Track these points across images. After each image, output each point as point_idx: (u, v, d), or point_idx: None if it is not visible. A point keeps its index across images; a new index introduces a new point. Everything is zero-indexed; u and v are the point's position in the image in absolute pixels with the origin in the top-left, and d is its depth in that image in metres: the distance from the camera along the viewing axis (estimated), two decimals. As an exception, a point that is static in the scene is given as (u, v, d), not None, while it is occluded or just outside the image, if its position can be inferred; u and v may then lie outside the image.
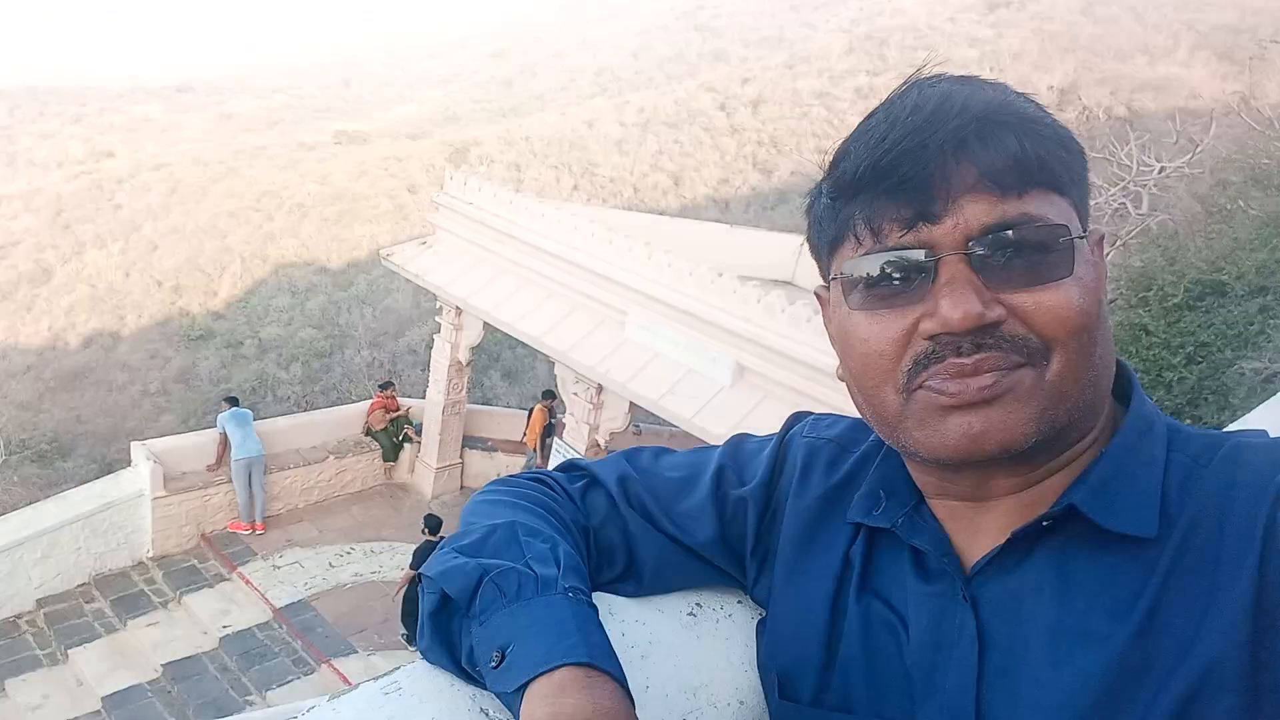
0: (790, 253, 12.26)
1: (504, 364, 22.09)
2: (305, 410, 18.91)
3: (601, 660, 0.66)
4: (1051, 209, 0.71)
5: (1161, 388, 6.83)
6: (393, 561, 10.28)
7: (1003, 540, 0.73)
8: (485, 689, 0.71)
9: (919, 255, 0.70)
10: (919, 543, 0.78)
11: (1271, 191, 7.34)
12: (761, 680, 0.87)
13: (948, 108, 0.71)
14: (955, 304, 0.68)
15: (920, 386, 0.71)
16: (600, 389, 9.73)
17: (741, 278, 8.67)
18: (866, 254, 0.73)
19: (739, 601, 0.93)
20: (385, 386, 11.97)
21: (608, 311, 9.45)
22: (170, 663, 8.76)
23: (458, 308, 11.12)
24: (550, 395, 11.65)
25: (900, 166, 0.70)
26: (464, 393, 11.65)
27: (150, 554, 10.01)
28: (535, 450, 11.61)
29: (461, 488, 12.01)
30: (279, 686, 8.62)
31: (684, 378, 8.74)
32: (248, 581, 9.82)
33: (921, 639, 0.76)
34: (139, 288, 31.53)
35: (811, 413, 0.96)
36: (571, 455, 10.01)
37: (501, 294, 10.39)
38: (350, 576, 10.10)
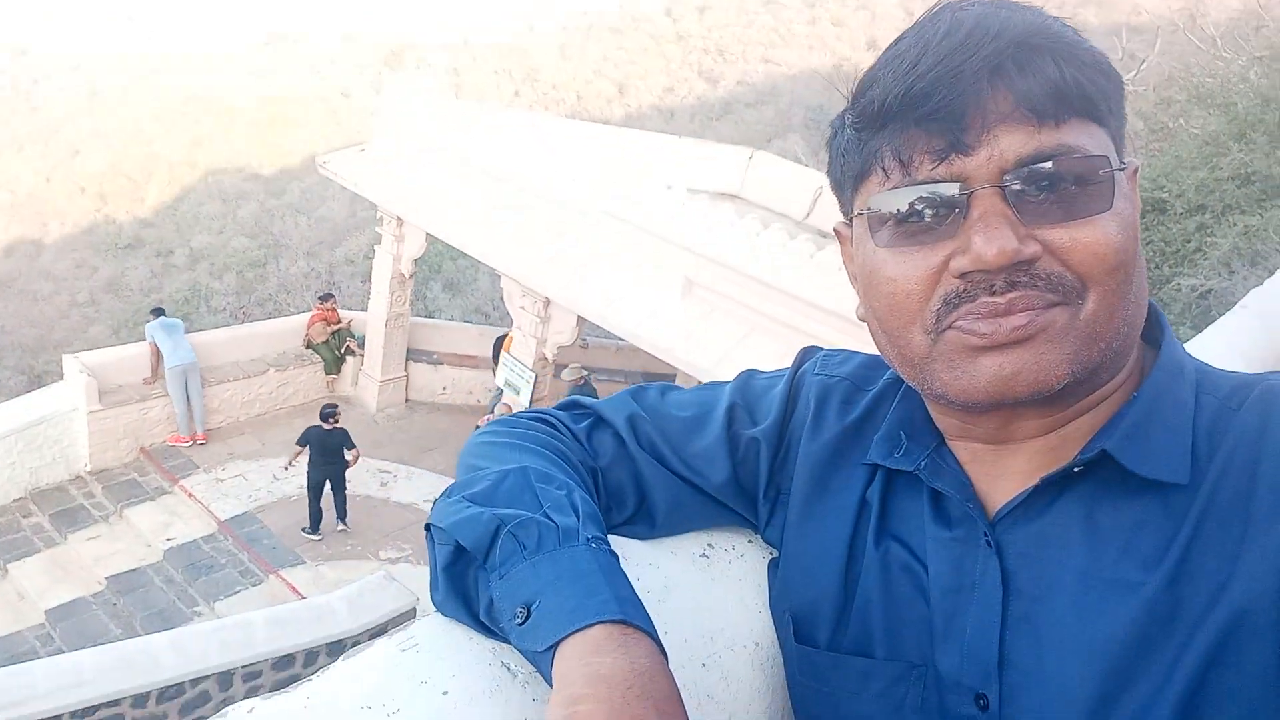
0: (738, 165, 12.19)
1: (446, 275, 21.75)
2: (241, 322, 18.50)
3: (635, 616, 0.64)
4: (1090, 139, 0.67)
5: (1098, 303, 7.03)
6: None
7: (1028, 485, 0.71)
8: (506, 642, 0.68)
9: (952, 189, 0.67)
10: (942, 486, 0.76)
11: (1214, 110, 7.45)
12: (774, 621, 0.86)
13: (983, 31, 0.66)
14: (990, 240, 0.65)
15: (950, 327, 0.68)
16: (547, 303, 9.67)
17: (689, 190, 8.60)
18: (895, 188, 0.69)
19: (750, 541, 0.92)
20: (325, 299, 11.72)
21: (552, 223, 9.33)
22: (114, 575, 8.69)
23: (399, 218, 10.89)
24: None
25: (933, 94, 0.66)
26: (407, 305, 11.49)
27: (88, 468, 9.82)
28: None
29: (406, 401, 11.94)
30: (226, 597, 8.63)
31: (631, 291, 8.72)
32: (190, 494, 9.72)
33: (941, 584, 0.74)
34: (61, 194, 30.23)
35: (820, 348, 0.93)
36: (519, 369, 10.00)
37: (443, 204, 10.17)
38: (295, 489, 10.03)
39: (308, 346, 11.45)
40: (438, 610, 0.74)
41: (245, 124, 32.06)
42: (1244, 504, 0.65)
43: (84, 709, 5.85)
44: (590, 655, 0.60)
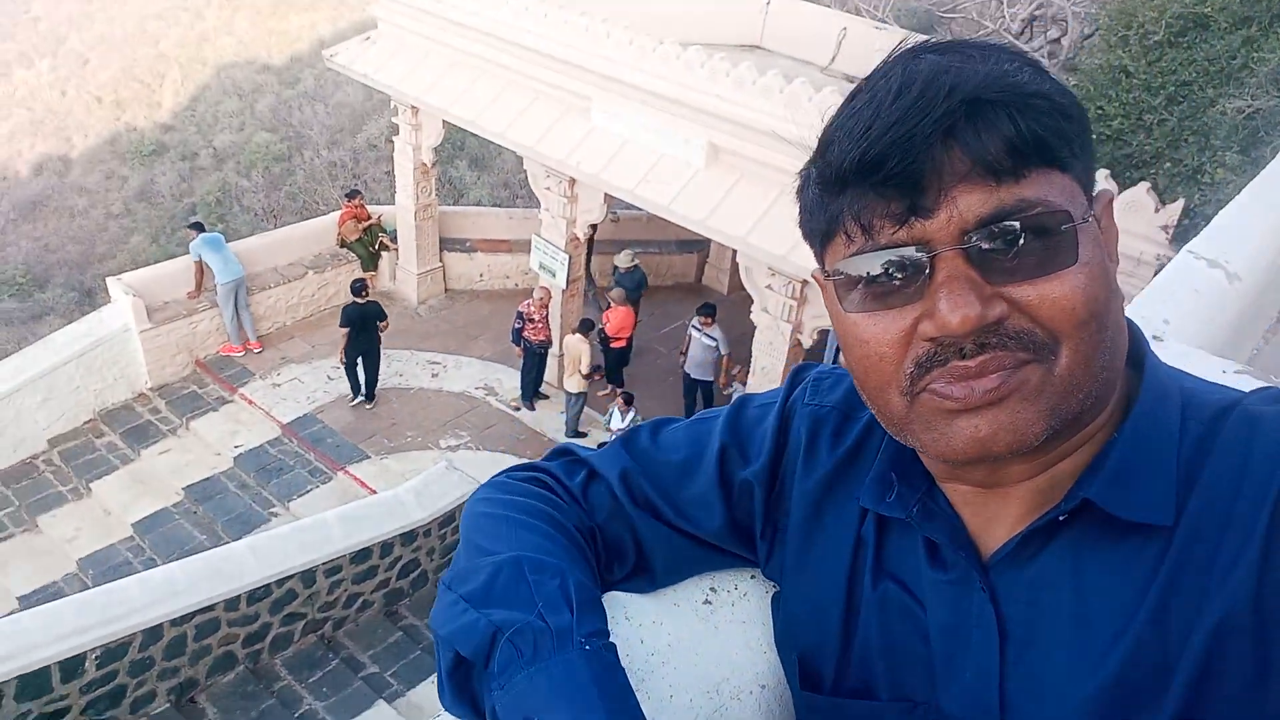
0: (756, 12, 11.69)
1: (470, 152, 21.47)
2: (273, 220, 18.54)
3: None
4: (1053, 189, 0.66)
5: (1141, 131, 6.75)
6: (390, 369, 10.48)
7: (1020, 529, 0.72)
8: None
9: (914, 252, 0.66)
10: (933, 534, 0.77)
11: (1260, -91, 6.93)
12: (781, 660, 0.88)
13: (934, 90, 0.65)
14: (954, 308, 0.64)
15: (925, 389, 0.68)
16: (573, 182, 9.55)
17: (707, 47, 8.30)
18: (858, 252, 0.69)
19: (753, 577, 0.94)
20: (352, 195, 11.68)
21: (572, 99, 9.10)
22: (190, 485, 9.12)
23: (413, 107, 10.69)
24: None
25: (887, 160, 0.65)
26: (433, 195, 11.43)
27: (149, 385, 10.15)
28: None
29: (446, 291, 12.05)
30: (300, 496, 9.03)
31: (657, 163, 8.55)
32: (250, 402, 10.04)
33: (940, 625, 0.75)
34: (79, 106, 30.01)
35: (813, 366, 0.93)
36: (552, 252, 9.96)
37: (458, 88, 9.95)
38: (349, 387, 10.32)
39: (342, 245, 11.52)
40: (447, 712, 0.76)
41: (249, 13, 31.25)
42: (1221, 538, 0.66)
43: (181, 616, 6.26)
44: None
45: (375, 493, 8.61)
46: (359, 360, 9.86)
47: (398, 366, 10.64)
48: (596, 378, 10.39)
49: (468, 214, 12.48)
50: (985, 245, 0.65)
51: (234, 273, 10.19)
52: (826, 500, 0.85)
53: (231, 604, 6.54)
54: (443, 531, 7.68)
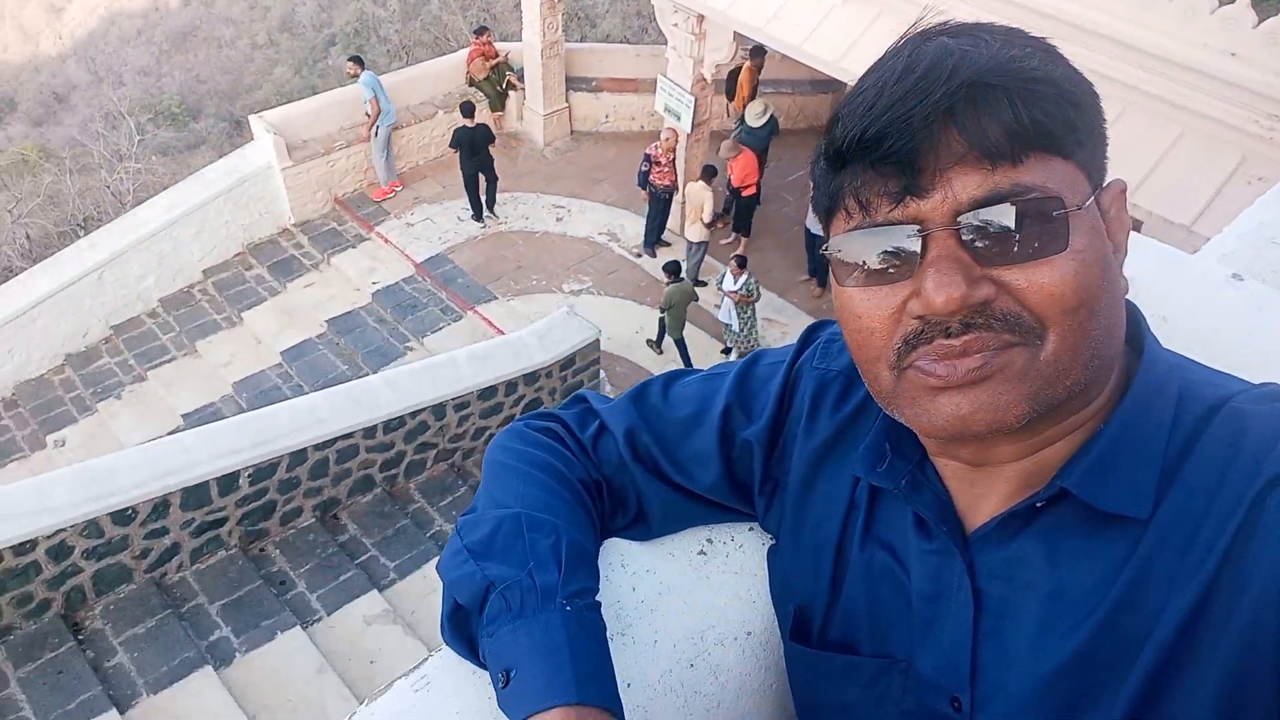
0: None
1: (598, -17, 20.80)
2: (406, 55, 18.60)
3: (591, 696, 0.72)
4: (1051, 176, 0.66)
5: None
6: (516, 212, 10.65)
7: (1004, 508, 0.74)
8: None
9: (907, 231, 0.67)
10: (918, 507, 0.79)
11: None
12: (776, 611, 0.92)
13: (937, 73, 0.66)
14: (939, 287, 0.66)
15: (911, 366, 0.70)
16: (701, 19, 9.19)
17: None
18: (856, 228, 0.70)
19: (750, 529, 0.97)
20: (480, 32, 11.57)
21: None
22: (332, 318, 9.66)
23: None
24: (760, 52, 10.83)
25: (885, 139, 0.66)
26: (560, 32, 11.20)
27: (292, 221, 10.64)
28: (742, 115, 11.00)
29: (571, 132, 11.98)
30: (433, 333, 9.47)
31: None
32: (386, 240, 10.43)
33: (921, 591, 0.79)
34: (222, -66, 30.28)
35: (828, 324, 0.93)
36: (677, 93, 9.70)
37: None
38: (479, 229, 10.57)
39: (471, 84, 11.53)
40: (447, 646, 0.84)
41: None
42: (1195, 533, 0.67)
43: (324, 442, 6.80)
44: None
45: (502, 333, 8.95)
46: (477, 179, 10.35)
47: (524, 209, 10.79)
48: (720, 226, 10.29)
49: (594, 51, 12.23)
50: (977, 227, 0.66)
51: (393, 113, 10.44)
52: (824, 463, 0.88)
53: (369, 432, 7.03)
54: (563, 374, 7.96)
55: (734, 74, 11.23)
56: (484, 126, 10.31)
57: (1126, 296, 0.75)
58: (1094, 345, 0.69)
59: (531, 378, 7.78)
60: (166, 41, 29.26)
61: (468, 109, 10.21)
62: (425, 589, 6.71)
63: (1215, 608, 0.64)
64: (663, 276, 8.93)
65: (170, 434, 7.86)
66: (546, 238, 10.42)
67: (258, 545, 6.75)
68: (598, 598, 0.83)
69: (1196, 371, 0.76)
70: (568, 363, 7.94)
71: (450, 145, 10.31)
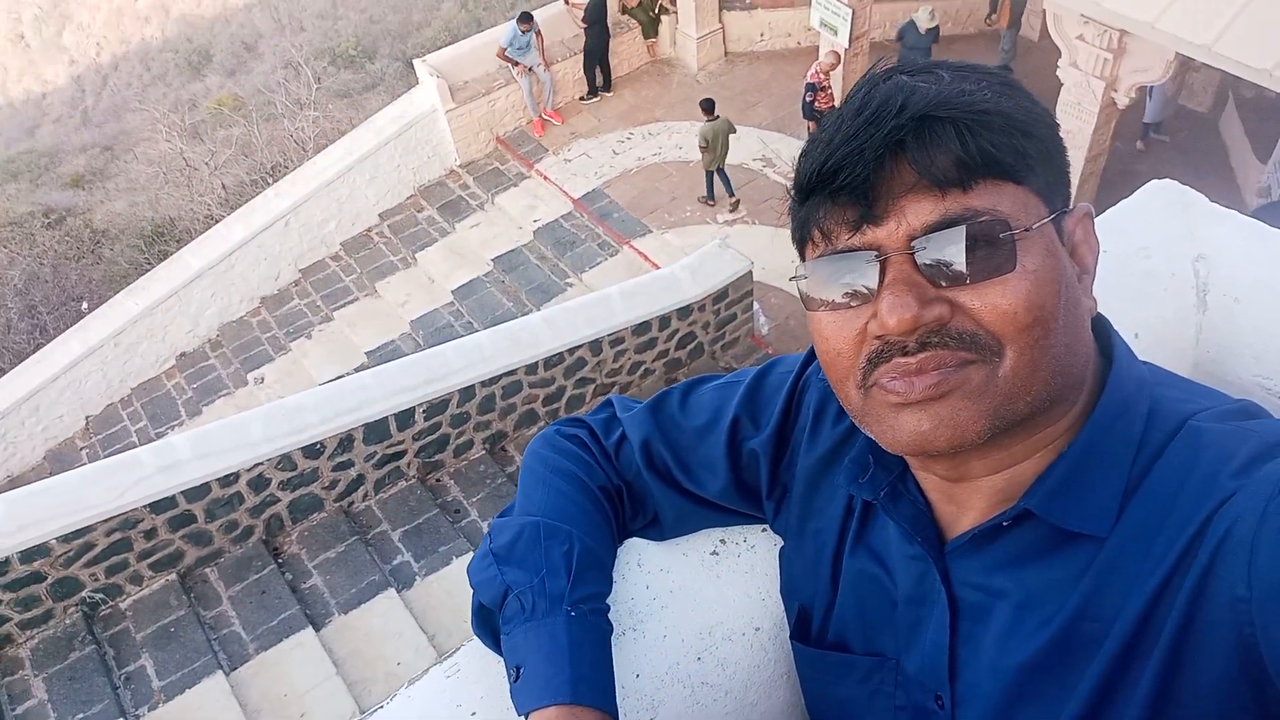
0: None
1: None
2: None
3: (584, 696, 0.80)
4: (1001, 200, 0.70)
5: None
6: (671, 141, 10.63)
7: (982, 520, 0.78)
8: None
9: (866, 257, 0.71)
10: (897, 518, 0.82)
11: None
12: (785, 609, 0.97)
13: (888, 108, 0.69)
14: (892, 309, 0.69)
15: (875, 384, 0.73)
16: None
17: None
18: (820, 256, 0.74)
19: (763, 530, 1.01)
20: (633, -43, 11.46)
21: None
22: (497, 256, 10.03)
23: None
24: None
25: (841, 171, 0.71)
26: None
27: (457, 162, 11.03)
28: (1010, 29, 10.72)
29: (725, 54, 11.74)
30: (590, 269, 9.68)
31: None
32: (546, 177, 10.66)
33: (905, 594, 0.83)
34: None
35: None
36: (834, 7, 9.29)
37: None
38: (634, 161, 10.63)
39: (623, 12, 11.47)
40: (476, 636, 0.93)
41: None
42: (1148, 549, 0.70)
43: (490, 379, 7.14)
44: None
45: (657, 267, 9.03)
46: (606, 53, 10.86)
47: (677, 139, 10.74)
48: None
49: (749, -32, 11.86)
50: (930, 251, 0.69)
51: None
52: (825, 473, 0.92)
53: (531, 369, 7.33)
54: (716, 307, 7.99)
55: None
56: None
57: (1098, 310, 0.78)
58: (1054, 362, 0.71)
59: (684, 311, 7.85)
60: (340, -17, 30.39)
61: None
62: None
63: (1158, 620, 0.68)
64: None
65: (355, 370, 8.45)
66: (700, 167, 10.36)
67: (434, 476, 7.22)
68: (609, 600, 0.91)
69: (1170, 387, 0.78)
70: (721, 295, 7.95)
71: (584, 19, 10.75)
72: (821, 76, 9.55)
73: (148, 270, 10.36)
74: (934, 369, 0.70)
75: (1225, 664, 0.65)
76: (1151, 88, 9.24)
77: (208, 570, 6.33)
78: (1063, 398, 0.74)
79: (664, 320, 7.78)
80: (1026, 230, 0.70)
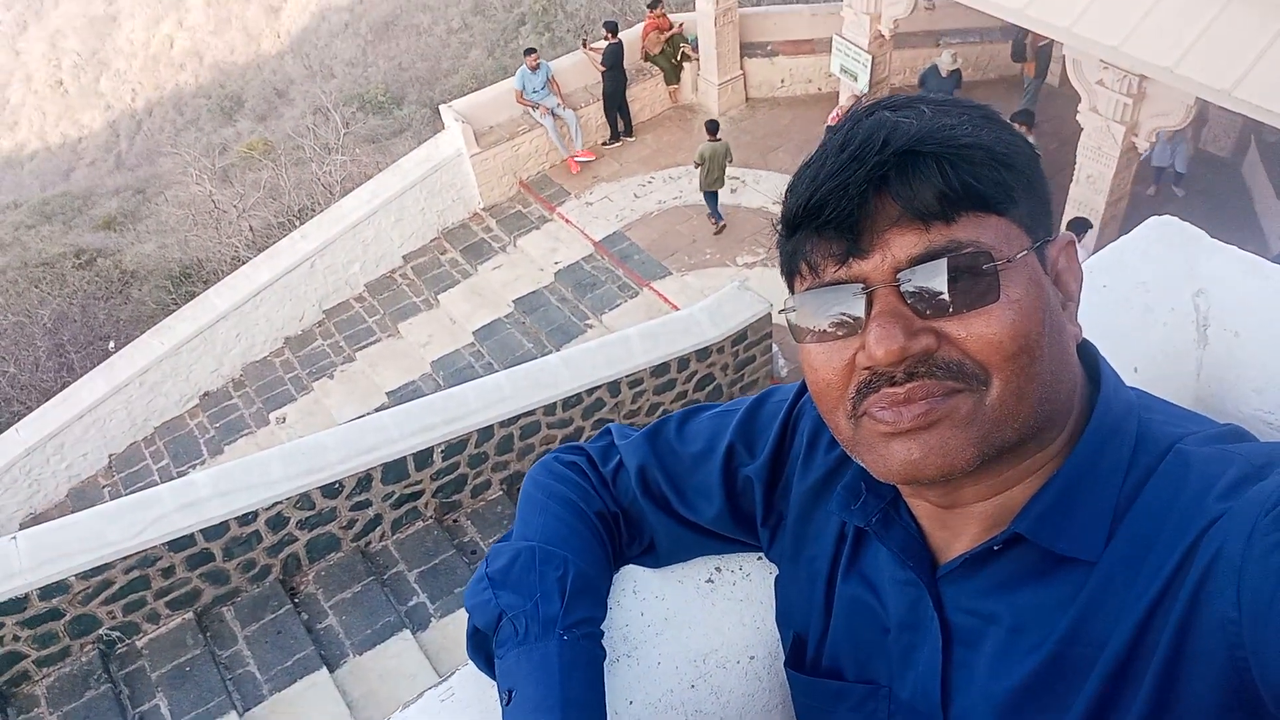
0: None
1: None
2: (590, 29, 18.92)
3: (572, 719, 0.81)
4: (985, 232, 0.71)
5: None
6: (692, 185, 10.69)
7: (974, 545, 0.78)
8: None
9: (853, 289, 0.72)
10: (888, 544, 0.83)
11: None
12: (781, 637, 0.97)
13: (871, 144, 0.71)
14: (879, 340, 0.70)
15: (864, 414, 0.74)
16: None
17: None
18: (808, 289, 0.76)
19: (759, 559, 1.01)
20: (653, 6, 11.63)
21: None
22: (518, 298, 10.09)
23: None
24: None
25: (826, 206, 0.73)
26: (734, -1, 11.09)
27: (481, 205, 11.16)
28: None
29: (747, 100, 11.87)
30: (610, 310, 9.71)
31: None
32: (567, 220, 10.76)
33: (898, 620, 0.83)
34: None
35: None
36: (854, 53, 9.41)
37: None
38: (655, 204, 10.71)
39: (646, 59, 11.63)
40: (470, 660, 0.94)
41: None
42: (1136, 573, 0.70)
43: (508, 419, 7.15)
44: None
45: (677, 308, 9.05)
46: (624, 95, 11.14)
47: (700, 183, 10.82)
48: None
49: (769, 15, 12.03)
50: (916, 283, 0.70)
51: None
52: (819, 500, 0.92)
53: (549, 409, 7.34)
54: (735, 349, 7.98)
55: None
56: (619, 43, 11.13)
57: (1084, 337, 0.79)
58: (1040, 389, 0.72)
59: (703, 353, 7.85)
60: (370, 32, 31.11)
61: (612, 26, 11.11)
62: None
63: (1149, 644, 0.68)
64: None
65: (376, 410, 8.48)
66: (720, 210, 10.42)
67: (451, 516, 7.22)
68: (603, 625, 0.92)
69: (1158, 411, 0.79)
70: (740, 337, 7.95)
71: (602, 63, 10.96)
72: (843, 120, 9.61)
73: (174, 310, 10.50)
74: (922, 398, 0.71)
75: (1218, 686, 0.65)
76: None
77: (224, 609, 6.33)
78: (1051, 423, 0.75)
79: (683, 362, 7.79)
80: (1009, 260, 0.71)
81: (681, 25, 11.63)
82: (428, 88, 27.36)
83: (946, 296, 0.70)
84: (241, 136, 25.32)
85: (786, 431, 0.96)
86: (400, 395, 9.24)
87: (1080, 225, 8.33)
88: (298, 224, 11.81)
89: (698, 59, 11.65)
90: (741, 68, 11.70)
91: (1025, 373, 0.70)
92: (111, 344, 11.20)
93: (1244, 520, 0.65)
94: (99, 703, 5.73)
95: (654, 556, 1.02)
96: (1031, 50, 10.72)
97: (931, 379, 0.70)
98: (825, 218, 0.72)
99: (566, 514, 0.98)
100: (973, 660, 0.78)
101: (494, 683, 0.89)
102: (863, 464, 0.77)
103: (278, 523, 6.33)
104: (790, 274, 0.79)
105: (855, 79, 9.75)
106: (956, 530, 0.80)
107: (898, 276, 0.71)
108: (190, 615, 6.20)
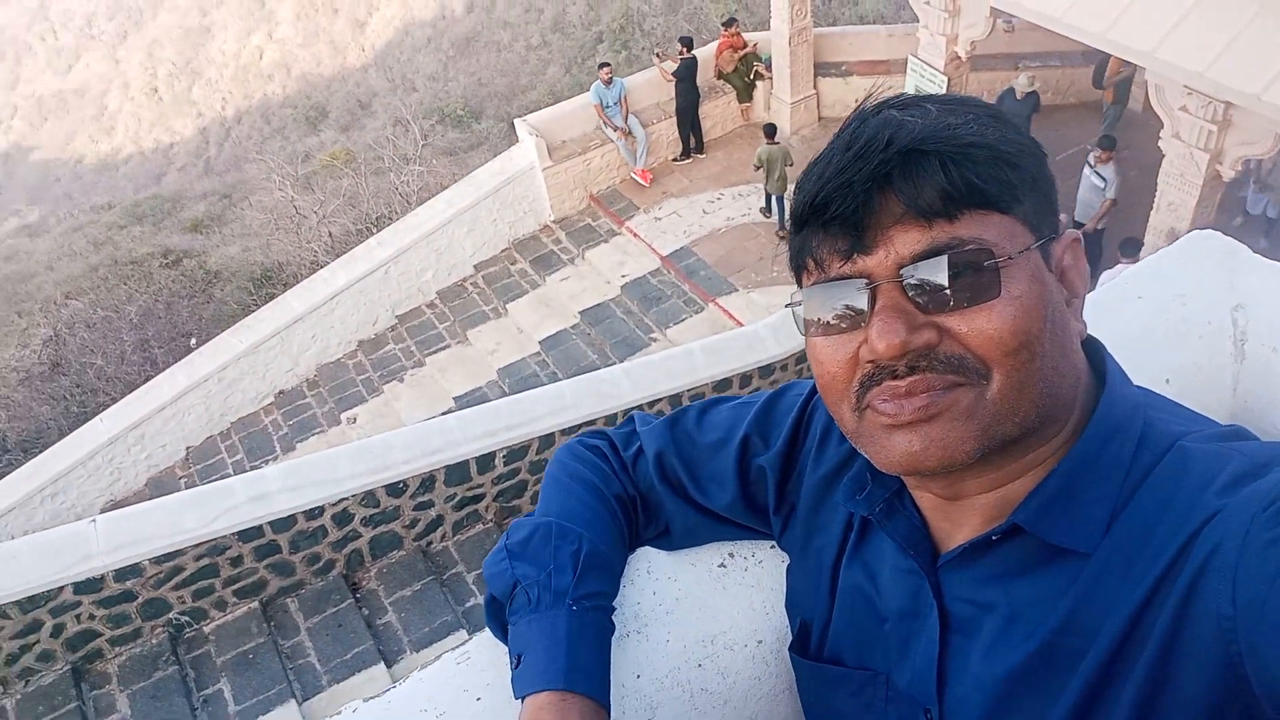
0: None
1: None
2: (665, 49, 19.09)
3: (577, 684, 0.84)
4: (987, 229, 0.73)
5: None
6: (760, 203, 10.70)
7: (975, 535, 0.79)
8: None
9: (857, 285, 0.74)
10: (892, 533, 0.85)
11: None
12: (790, 624, 0.99)
13: (876, 142, 0.73)
14: (881, 334, 0.72)
15: (868, 406, 0.76)
16: (953, -5, 8.80)
17: None
18: (815, 283, 0.78)
19: (771, 547, 1.03)
20: (728, 24, 11.71)
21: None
22: (585, 310, 10.21)
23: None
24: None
25: (831, 203, 0.75)
26: (809, 17, 11.10)
27: (551, 218, 11.33)
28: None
29: (820, 119, 11.85)
30: (675, 324, 9.77)
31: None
32: (635, 234, 10.85)
33: (898, 608, 0.85)
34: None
35: None
36: (929, 74, 9.36)
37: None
38: (723, 221, 10.75)
39: (719, 77, 11.69)
40: (488, 628, 0.97)
41: None
42: (1131, 566, 0.71)
43: (569, 427, 7.23)
44: (535, 716, 0.83)
45: (741, 324, 9.07)
46: (696, 111, 11.25)
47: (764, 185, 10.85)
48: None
49: (845, 35, 12.01)
50: (918, 279, 0.72)
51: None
52: (829, 491, 0.95)
53: (611, 419, 7.39)
54: (799, 366, 7.96)
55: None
56: (695, 58, 11.22)
57: (1090, 335, 0.80)
58: (1041, 384, 0.73)
59: (766, 370, 7.84)
60: (452, 48, 31.77)
61: (687, 41, 11.30)
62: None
63: (1141, 636, 0.69)
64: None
65: (443, 414, 8.66)
66: (786, 220, 10.40)
67: (511, 520, 7.31)
68: (616, 602, 0.95)
69: (1163, 410, 0.79)
70: (803, 356, 7.90)
71: (674, 74, 11.07)
72: (914, 141, 9.54)
73: (254, 311, 10.86)
74: (923, 391, 0.72)
75: (1210, 682, 0.65)
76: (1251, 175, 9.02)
77: (288, 600, 6.51)
78: (1053, 418, 0.76)
79: (745, 378, 7.79)
80: (1010, 258, 0.72)
81: (756, 45, 11.67)
82: (505, 103, 27.80)
83: (948, 292, 0.72)
84: (325, 146, 26.02)
85: (801, 424, 0.99)
86: (467, 400, 9.40)
87: (1131, 247, 8.17)
88: (375, 231, 12.11)
89: (770, 78, 11.68)
90: (815, 87, 11.69)
91: (1026, 368, 0.72)
92: (193, 341, 11.61)
93: (1241, 517, 0.65)
94: (166, 684, 5.93)
95: (669, 540, 1.05)
96: (1110, 79, 10.52)
97: (933, 373, 0.72)
98: (831, 214, 0.74)
99: (586, 494, 1.02)
100: (968, 649, 0.79)
101: (506, 648, 0.93)
102: (866, 455, 0.79)
103: (343, 519, 6.49)
104: (798, 269, 0.81)
105: (930, 100, 9.66)
106: (959, 521, 0.82)
107: (901, 272, 0.73)
108: (256, 605, 6.39)
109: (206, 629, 6.30)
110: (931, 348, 0.72)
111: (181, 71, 35.67)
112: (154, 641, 6.14)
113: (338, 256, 11.62)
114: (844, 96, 11.81)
